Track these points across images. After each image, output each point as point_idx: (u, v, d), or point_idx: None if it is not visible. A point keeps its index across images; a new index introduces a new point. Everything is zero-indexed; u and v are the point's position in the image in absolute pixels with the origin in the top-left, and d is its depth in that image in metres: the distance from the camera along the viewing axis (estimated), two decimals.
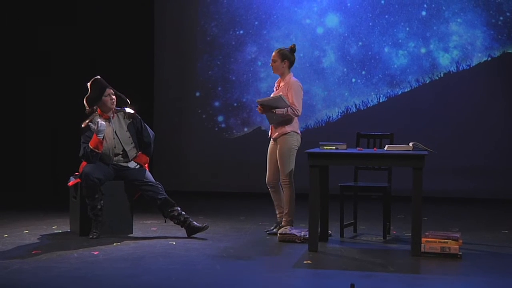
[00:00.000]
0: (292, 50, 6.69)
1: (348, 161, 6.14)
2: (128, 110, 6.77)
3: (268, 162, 6.75)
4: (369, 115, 9.58)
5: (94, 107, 6.63)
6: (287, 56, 6.65)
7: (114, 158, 6.64)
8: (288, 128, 6.58)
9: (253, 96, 9.66)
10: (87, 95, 6.60)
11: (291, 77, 6.66)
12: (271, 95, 6.72)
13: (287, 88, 6.60)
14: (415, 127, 9.40)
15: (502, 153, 9.38)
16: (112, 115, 6.67)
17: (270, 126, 6.73)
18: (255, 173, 8.57)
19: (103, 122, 6.46)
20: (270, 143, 6.75)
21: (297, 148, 6.62)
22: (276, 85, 6.80)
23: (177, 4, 10.09)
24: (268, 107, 6.54)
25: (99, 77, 6.68)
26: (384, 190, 6.60)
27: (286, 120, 6.58)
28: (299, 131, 6.67)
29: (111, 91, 6.63)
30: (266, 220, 7.33)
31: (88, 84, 6.63)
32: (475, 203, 9.19)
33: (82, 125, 6.61)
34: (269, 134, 6.76)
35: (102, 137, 6.45)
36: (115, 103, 6.65)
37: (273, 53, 6.70)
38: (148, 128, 6.83)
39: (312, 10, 9.76)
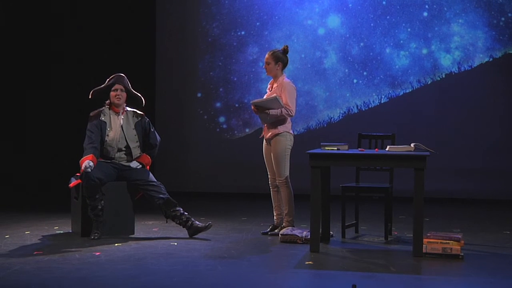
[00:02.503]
0: (285, 51, 6.70)
1: (350, 161, 6.14)
2: (138, 111, 6.82)
3: (266, 163, 6.76)
4: (371, 116, 9.58)
5: (106, 101, 6.68)
6: (281, 58, 6.66)
7: (117, 153, 6.65)
8: (281, 129, 6.59)
9: (255, 97, 9.65)
10: (100, 86, 6.66)
11: (284, 78, 6.67)
12: (264, 97, 6.73)
13: (280, 89, 6.60)
14: (416, 128, 9.40)
15: (504, 154, 9.38)
16: (122, 111, 6.70)
17: (263, 126, 6.74)
18: (256, 174, 8.57)
19: (91, 166, 6.42)
20: (264, 144, 6.76)
21: (290, 148, 6.64)
22: (269, 86, 6.80)
23: (179, 5, 10.10)
24: (263, 108, 6.55)
25: (121, 74, 6.71)
26: (385, 191, 6.60)
27: (279, 120, 6.58)
28: (291, 131, 6.68)
29: (121, 87, 6.65)
30: (267, 221, 7.33)
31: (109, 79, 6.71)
32: (476, 203, 9.18)
33: (91, 114, 6.66)
34: (262, 134, 6.77)
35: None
36: (120, 99, 6.67)
37: (266, 55, 6.70)
38: (156, 133, 6.87)
39: (313, 11, 9.76)
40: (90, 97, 6.72)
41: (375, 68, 9.64)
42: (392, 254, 5.98)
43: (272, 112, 6.52)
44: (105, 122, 6.63)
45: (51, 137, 9.96)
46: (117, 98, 6.65)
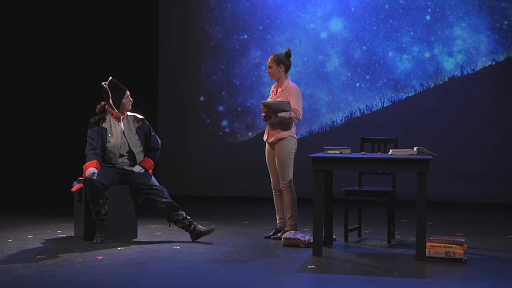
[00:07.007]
0: (287, 54, 6.70)
1: (353, 165, 6.14)
2: (138, 115, 6.82)
3: (269, 167, 6.76)
4: (374, 120, 9.57)
5: (106, 107, 6.67)
6: (282, 61, 6.66)
7: (119, 159, 6.65)
8: (285, 133, 6.59)
9: (257, 101, 9.66)
10: (111, 97, 6.61)
11: (289, 82, 6.67)
12: (268, 100, 6.72)
13: (287, 94, 6.60)
14: (419, 132, 9.39)
15: (507, 157, 9.36)
16: (122, 116, 6.70)
17: (266, 130, 6.73)
18: (259, 178, 8.56)
19: (94, 173, 6.42)
20: (266, 147, 6.75)
21: (294, 152, 6.64)
22: (273, 89, 6.79)
23: (182, 8, 10.11)
24: (272, 109, 6.54)
25: (112, 77, 6.70)
26: (388, 195, 6.60)
27: (284, 125, 6.57)
28: (295, 135, 6.68)
29: (129, 92, 6.68)
30: (270, 224, 7.33)
31: (105, 85, 6.64)
32: (480, 207, 9.17)
33: (91, 120, 6.64)
34: (265, 137, 6.76)
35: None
36: (131, 105, 6.75)
37: (269, 59, 6.71)
38: (157, 136, 6.88)
39: (316, 15, 9.76)
40: (99, 108, 6.72)
41: (378, 72, 9.64)
42: (395, 258, 5.97)
43: (281, 114, 6.52)
44: (106, 129, 6.63)
45: (53, 140, 9.97)
46: (131, 104, 6.71)
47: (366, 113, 9.68)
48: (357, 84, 9.70)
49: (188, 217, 6.60)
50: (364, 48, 9.66)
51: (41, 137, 9.99)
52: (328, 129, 9.76)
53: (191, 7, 10.08)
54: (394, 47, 9.61)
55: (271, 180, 6.78)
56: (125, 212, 6.64)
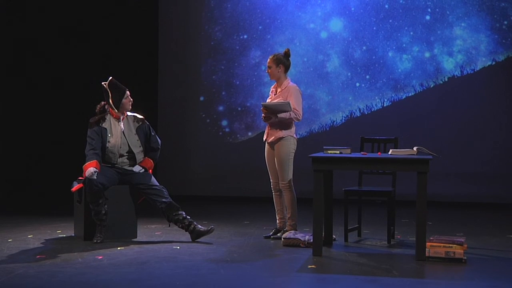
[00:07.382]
0: (287, 54, 6.70)
1: (352, 165, 6.13)
2: (138, 115, 6.82)
3: (268, 167, 6.76)
4: (373, 120, 9.58)
5: (106, 107, 6.67)
6: (282, 61, 6.65)
7: (119, 159, 6.65)
8: (285, 133, 6.59)
9: (257, 101, 9.67)
10: (110, 98, 6.61)
11: (289, 82, 6.67)
12: (267, 100, 6.72)
13: (287, 93, 6.60)
14: (419, 132, 9.39)
15: (507, 157, 9.36)
16: (122, 116, 6.70)
17: (266, 129, 6.73)
18: (259, 178, 8.57)
19: (94, 172, 6.42)
20: (266, 147, 6.75)
21: (294, 152, 6.63)
22: (272, 90, 6.79)
23: (181, 8, 10.11)
24: (272, 111, 6.54)
25: (112, 77, 6.71)
26: (388, 195, 6.60)
27: (283, 124, 6.57)
28: (295, 135, 6.67)
29: (129, 92, 6.69)
30: (270, 224, 7.33)
31: (105, 85, 6.64)
32: (480, 207, 9.17)
33: (91, 121, 6.64)
34: (264, 137, 6.76)
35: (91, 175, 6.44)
36: (131, 105, 6.74)
37: (268, 59, 6.71)
38: (157, 136, 6.88)
39: (316, 15, 9.77)
40: (99, 108, 6.72)
41: (378, 72, 9.64)
42: (395, 258, 5.97)
43: (281, 115, 6.52)
44: (106, 129, 6.63)
45: (53, 140, 9.97)
46: (131, 104, 6.71)
47: (366, 113, 9.68)
48: (357, 84, 9.70)
49: (188, 217, 6.61)
50: (364, 48, 9.67)
51: (41, 137, 9.99)
52: (328, 129, 9.76)
53: (191, 7, 10.08)
54: (394, 47, 9.61)
55: (271, 180, 6.78)
56: (125, 212, 6.64)
